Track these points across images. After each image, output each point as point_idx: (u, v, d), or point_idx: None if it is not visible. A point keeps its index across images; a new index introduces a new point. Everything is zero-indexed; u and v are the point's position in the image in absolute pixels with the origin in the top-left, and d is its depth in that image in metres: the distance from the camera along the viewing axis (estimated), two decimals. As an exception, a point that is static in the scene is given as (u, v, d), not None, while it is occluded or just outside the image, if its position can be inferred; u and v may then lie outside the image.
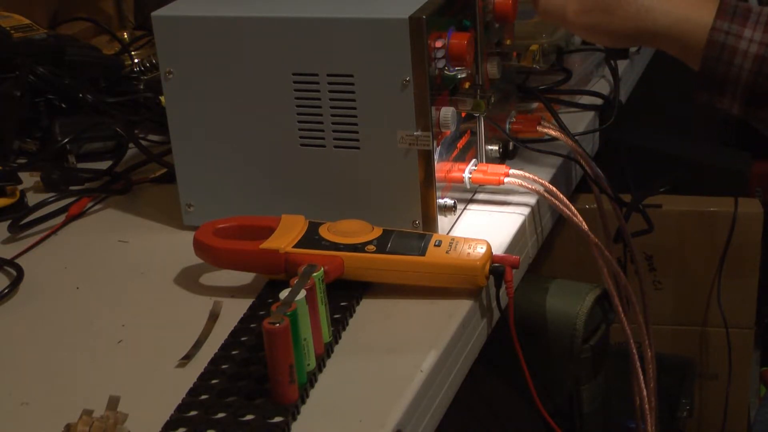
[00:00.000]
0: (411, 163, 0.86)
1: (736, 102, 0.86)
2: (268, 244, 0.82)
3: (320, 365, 0.73)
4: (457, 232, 0.91)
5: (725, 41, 0.84)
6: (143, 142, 1.14)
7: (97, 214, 1.03)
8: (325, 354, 0.74)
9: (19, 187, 1.06)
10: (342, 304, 0.80)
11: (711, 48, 0.85)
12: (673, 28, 0.86)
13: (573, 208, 0.94)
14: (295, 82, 0.88)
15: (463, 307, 0.80)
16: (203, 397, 0.70)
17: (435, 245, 0.81)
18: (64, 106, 1.21)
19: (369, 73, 0.85)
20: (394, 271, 0.81)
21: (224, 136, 0.92)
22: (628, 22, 0.88)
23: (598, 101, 1.18)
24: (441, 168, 0.88)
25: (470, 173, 0.95)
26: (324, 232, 0.83)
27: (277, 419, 0.67)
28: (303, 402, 0.69)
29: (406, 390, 0.70)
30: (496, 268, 0.81)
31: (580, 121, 1.14)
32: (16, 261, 0.92)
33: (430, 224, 0.88)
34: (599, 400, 1.27)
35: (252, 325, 0.78)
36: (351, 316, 0.80)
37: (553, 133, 1.02)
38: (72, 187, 1.07)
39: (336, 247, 0.82)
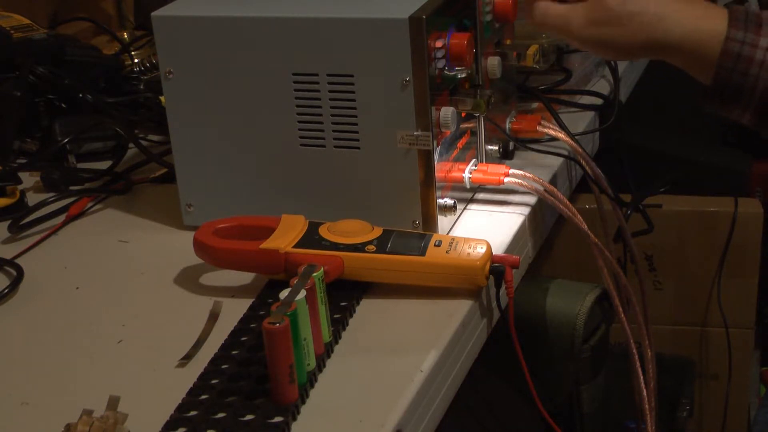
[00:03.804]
0: (411, 163, 0.86)
1: (748, 112, 0.84)
2: (268, 244, 0.82)
3: (320, 365, 0.73)
4: (457, 232, 0.91)
5: (741, 51, 0.82)
6: (143, 142, 1.14)
7: (97, 214, 1.03)
8: (325, 354, 0.74)
9: (19, 187, 1.06)
10: (342, 304, 0.80)
11: (725, 58, 0.82)
12: (686, 39, 0.84)
13: (573, 208, 0.94)
14: (295, 82, 0.88)
15: (463, 307, 0.80)
16: (203, 397, 0.70)
17: (435, 245, 0.81)
18: (64, 106, 1.21)
19: (369, 73, 0.85)
20: (394, 271, 0.81)
21: (224, 136, 0.92)
22: (640, 35, 0.85)
23: (598, 101, 1.18)
24: (441, 168, 0.88)
25: (470, 173, 0.95)
26: (324, 232, 0.83)
27: (277, 419, 0.67)
28: (303, 402, 0.69)
29: (406, 390, 0.70)
30: (496, 268, 0.81)
31: (580, 121, 1.14)
32: (16, 261, 0.92)
33: (430, 224, 0.88)
34: (599, 400, 1.27)
35: (252, 325, 0.78)
36: (351, 316, 0.80)
37: (553, 133, 1.02)
38: (72, 187, 1.07)
39: (336, 247, 0.82)
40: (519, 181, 0.94)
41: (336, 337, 0.77)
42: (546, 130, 1.02)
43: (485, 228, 0.92)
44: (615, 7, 0.84)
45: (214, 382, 0.72)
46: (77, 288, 0.89)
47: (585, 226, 0.94)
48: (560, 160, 1.04)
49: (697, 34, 0.83)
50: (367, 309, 0.81)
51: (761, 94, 0.82)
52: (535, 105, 1.13)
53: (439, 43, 0.85)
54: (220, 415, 0.68)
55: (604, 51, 0.89)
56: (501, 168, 0.95)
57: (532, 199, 0.96)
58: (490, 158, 0.99)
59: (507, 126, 1.02)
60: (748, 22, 0.83)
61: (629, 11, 0.84)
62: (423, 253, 0.81)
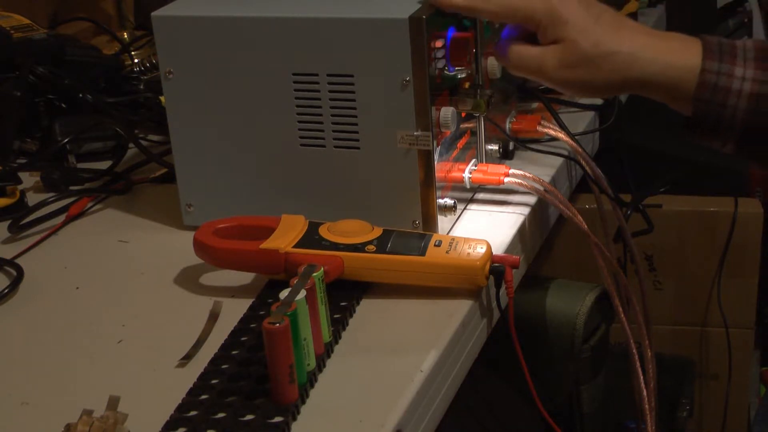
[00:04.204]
0: (411, 163, 0.86)
1: (729, 142, 0.83)
2: (268, 244, 0.82)
3: (320, 365, 0.73)
4: (457, 232, 0.92)
5: (717, 82, 0.81)
6: (143, 142, 1.14)
7: (97, 214, 1.03)
8: (325, 354, 0.74)
9: (19, 187, 1.06)
10: (342, 304, 0.80)
11: (702, 90, 0.81)
12: (661, 75, 0.82)
13: (573, 208, 0.94)
14: (295, 82, 0.88)
15: (463, 307, 0.80)
16: (203, 397, 0.70)
17: (435, 245, 0.81)
18: (64, 106, 1.21)
19: (369, 73, 0.85)
20: (394, 271, 0.81)
21: (224, 136, 0.92)
22: (614, 75, 0.83)
23: (598, 101, 1.18)
24: (441, 168, 0.88)
25: (470, 173, 0.95)
26: (324, 232, 0.83)
27: (277, 419, 0.67)
28: (303, 402, 0.69)
29: (406, 390, 0.70)
30: (496, 268, 0.81)
31: (580, 121, 1.14)
32: (16, 261, 0.92)
33: (430, 224, 0.88)
34: (599, 400, 1.27)
35: (252, 325, 0.78)
36: (351, 316, 0.80)
37: (553, 133, 1.02)
38: (72, 187, 1.07)
39: (336, 247, 0.82)
40: (519, 181, 0.94)
41: (336, 337, 0.77)
42: (546, 130, 1.02)
43: (485, 228, 0.92)
44: (588, 50, 0.82)
45: (214, 382, 0.72)
46: (77, 288, 0.89)
47: (585, 226, 0.94)
48: (560, 160, 1.04)
49: (672, 69, 0.82)
50: (367, 309, 0.81)
51: (742, 124, 0.81)
52: (535, 105, 1.13)
53: (439, 43, 0.85)
54: (220, 415, 0.68)
55: (580, 92, 0.88)
56: (501, 168, 0.95)
57: (532, 199, 0.96)
58: (490, 158, 0.99)
59: (507, 126, 1.02)
60: (723, 52, 0.81)
61: (602, 52, 0.82)
62: (423, 253, 0.81)
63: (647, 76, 0.83)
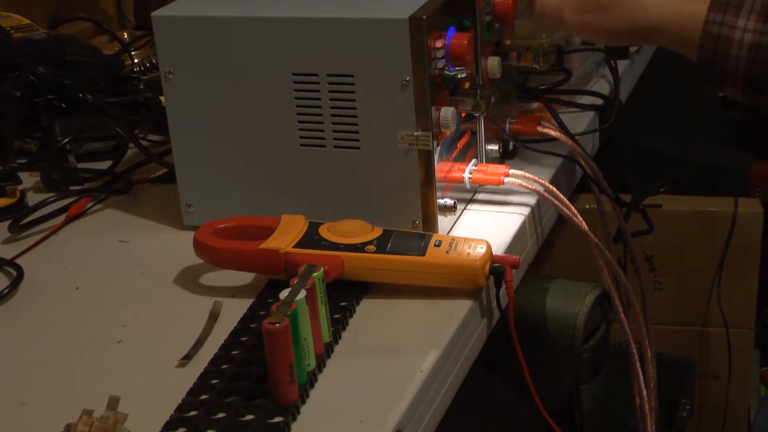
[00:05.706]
0: (411, 163, 0.86)
1: (738, 90, 0.87)
2: (268, 244, 0.82)
3: (320, 365, 0.73)
4: (457, 232, 0.92)
5: (719, 32, 0.85)
6: (143, 142, 1.14)
7: (97, 214, 1.03)
8: (325, 354, 0.74)
9: (19, 187, 1.06)
10: (342, 304, 0.80)
11: (706, 40, 0.85)
12: (667, 23, 0.88)
13: (573, 208, 0.94)
14: (295, 82, 0.88)
15: (463, 307, 0.80)
16: (203, 397, 0.70)
17: (435, 245, 0.81)
18: (64, 106, 1.21)
19: (369, 73, 0.85)
20: (394, 271, 0.81)
21: (224, 136, 0.92)
22: (623, 19, 0.90)
23: (598, 101, 1.18)
24: (441, 168, 0.88)
25: (470, 173, 0.95)
26: (324, 232, 0.83)
27: (277, 419, 0.67)
28: (303, 402, 0.69)
29: (406, 390, 0.70)
30: (496, 268, 0.81)
31: (580, 121, 1.14)
32: (16, 261, 0.92)
33: (430, 224, 0.88)
34: (599, 400, 1.27)
35: (252, 325, 0.78)
36: (351, 316, 0.80)
37: (553, 133, 1.02)
38: (72, 187, 1.07)
39: (336, 247, 0.82)
40: (519, 181, 0.94)
41: (336, 337, 0.77)
42: (546, 130, 1.02)
43: (485, 228, 0.92)
44: None
45: (214, 382, 0.72)
46: (77, 288, 0.89)
47: (585, 226, 0.94)
48: (560, 160, 1.04)
49: (677, 17, 0.87)
50: (367, 309, 0.81)
51: (744, 74, 0.85)
52: (535, 105, 1.13)
53: (439, 43, 0.85)
54: (220, 415, 0.68)
55: (594, 36, 0.95)
56: (501, 168, 0.95)
57: (532, 199, 0.96)
58: (490, 158, 0.99)
59: (507, 126, 1.02)
60: (729, 5, 0.85)
61: None
62: (423, 253, 0.81)
63: (653, 23, 0.88)
